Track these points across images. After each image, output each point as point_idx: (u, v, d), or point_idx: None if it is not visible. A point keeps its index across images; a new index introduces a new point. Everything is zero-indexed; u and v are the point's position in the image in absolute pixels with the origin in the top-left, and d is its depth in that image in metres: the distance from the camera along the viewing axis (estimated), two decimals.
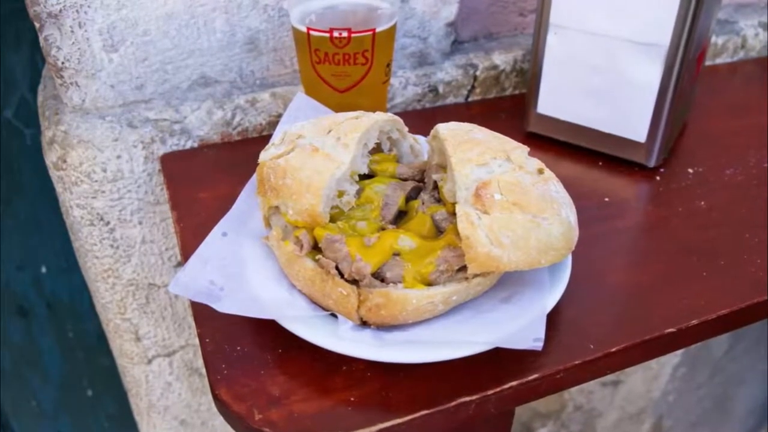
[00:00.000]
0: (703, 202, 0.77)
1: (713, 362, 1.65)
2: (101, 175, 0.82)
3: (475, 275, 0.54)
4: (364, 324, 0.54)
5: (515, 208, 0.53)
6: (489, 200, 0.53)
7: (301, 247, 0.55)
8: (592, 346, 0.56)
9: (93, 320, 1.22)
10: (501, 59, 1.00)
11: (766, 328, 1.65)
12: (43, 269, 1.21)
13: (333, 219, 0.57)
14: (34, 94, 0.99)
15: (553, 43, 0.82)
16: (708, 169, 0.83)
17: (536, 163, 0.58)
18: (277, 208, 0.58)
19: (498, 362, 0.54)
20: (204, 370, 0.82)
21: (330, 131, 0.59)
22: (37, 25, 0.75)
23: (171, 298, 0.98)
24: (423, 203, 0.60)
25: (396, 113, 0.91)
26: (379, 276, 0.54)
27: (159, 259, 0.93)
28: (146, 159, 0.83)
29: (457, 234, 0.53)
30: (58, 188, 0.86)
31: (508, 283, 0.58)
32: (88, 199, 0.84)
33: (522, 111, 0.91)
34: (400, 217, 0.61)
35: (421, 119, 0.93)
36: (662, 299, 0.62)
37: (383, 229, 0.58)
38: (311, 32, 0.72)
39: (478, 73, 0.99)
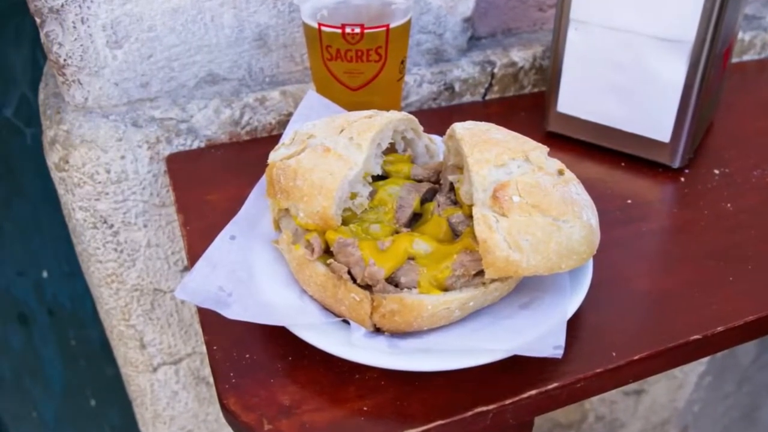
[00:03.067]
0: (729, 204, 0.76)
1: (740, 371, 1.65)
2: (105, 177, 0.82)
3: (493, 280, 0.53)
4: (377, 331, 0.54)
5: (534, 211, 0.52)
6: (507, 202, 0.52)
7: (313, 251, 0.55)
8: (614, 354, 0.55)
9: (96, 327, 1.23)
10: (520, 56, 1.00)
11: None
12: (45, 274, 1.21)
13: (345, 222, 0.57)
14: (35, 92, 1.00)
15: (574, 39, 0.82)
16: (735, 170, 0.83)
17: (556, 163, 0.58)
18: (287, 210, 0.58)
19: (517, 370, 0.53)
20: (211, 379, 0.82)
21: (342, 131, 0.58)
22: (38, 20, 0.75)
23: (177, 304, 0.98)
24: (439, 205, 0.60)
25: (411, 112, 0.92)
26: (393, 281, 0.53)
27: (165, 263, 0.93)
28: (151, 159, 0.83)
29: (474, 237, 0.52)
30: (60, 190, 0.86)
31: (527, 288, 0.58)
32: (91, 202, 0.83)
33: (541, 110, 0.91)
34: (415, 220, 0.60)
35: (436, 118, 0.93)
36: (687, 305, 0.61)
37: (397, 232, 0.57)
38: (323, 28, 0.72)
39: (495, 70, 0.99)
